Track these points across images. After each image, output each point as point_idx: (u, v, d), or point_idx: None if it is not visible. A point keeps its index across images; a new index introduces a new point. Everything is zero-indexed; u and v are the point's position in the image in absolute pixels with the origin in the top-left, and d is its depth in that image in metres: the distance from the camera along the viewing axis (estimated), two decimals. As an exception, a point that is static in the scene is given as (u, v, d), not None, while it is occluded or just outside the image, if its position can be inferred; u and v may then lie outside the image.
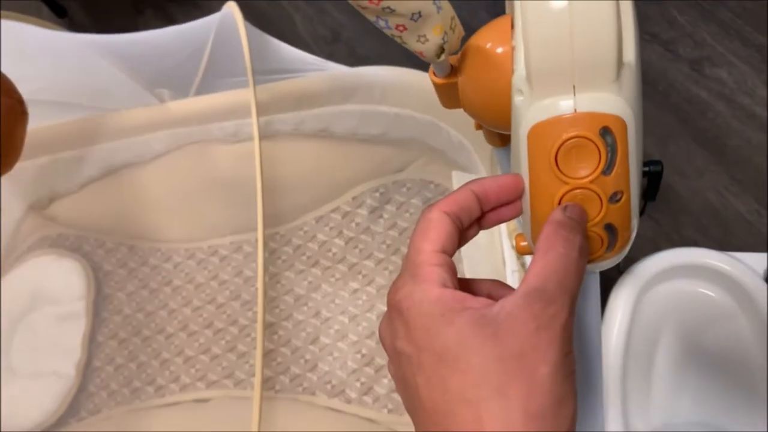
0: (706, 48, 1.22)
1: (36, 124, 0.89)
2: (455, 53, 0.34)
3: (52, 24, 1.09)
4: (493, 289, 0.30)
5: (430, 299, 0.26)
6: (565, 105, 0.27)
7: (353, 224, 0.94)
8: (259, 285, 0.59)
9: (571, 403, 0.24)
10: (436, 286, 0.26)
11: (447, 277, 0.27)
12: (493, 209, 0.31)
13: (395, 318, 0.27)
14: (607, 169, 0.28)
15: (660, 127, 1.17)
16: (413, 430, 0.28)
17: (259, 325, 0.58)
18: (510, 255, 0.71)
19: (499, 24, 0.33)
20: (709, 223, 1.08)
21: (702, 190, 1.11)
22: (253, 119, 0.64)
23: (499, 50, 0.32)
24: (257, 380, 0.56)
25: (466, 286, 0.30)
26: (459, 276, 0.29)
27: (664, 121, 1.17)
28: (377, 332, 0.87)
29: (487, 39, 0.33)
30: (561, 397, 0.24)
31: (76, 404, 0.92)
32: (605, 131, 0.27)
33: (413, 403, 0.26)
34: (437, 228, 0.28)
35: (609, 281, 0.61)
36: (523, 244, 0.34)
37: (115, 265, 1.00)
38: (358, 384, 0.85)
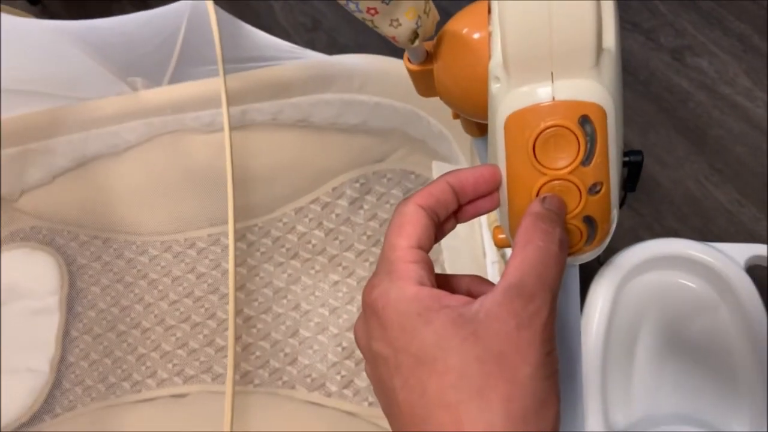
0: (688, 37, 1.21)
1: (4, 114, 0.87)
2: (430, 39, 0.33)
3: (23, 12, 1.06)
4: (472, 285, 0.29)
5: (406, 298, 0.25)
6: (543, 92, 0.26)
7: (333, 215, 0.93)
8: (231, 283, 0.58)
9: (553, 404, 0.24)
10: (412, 284, 0.25)
11: (424, 274, 0.26)
12: (470, 201, 0.30)
13: (370, 318, 0.26)
14: (586, 160, 0.27)
15: (640, 116, 1.16)
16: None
17: (230, 324, 0.56)
18: (490, 246, 0.70)
19: (475, 8, 0.32)
20: (689, 212, 1.09)
21: (682, 180, 1.11)
22: (224, 109, 0.62)
23: (476, 36, 0.31)
24: (229, 378, 0.55)
25: (444, 282, 0.29)
26: (438, 269, 0.28)
27: (645, 110, 1.17)
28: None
29: (463, 24, 0.32)
30: (543, 398, 0.23)
31: (50, 400, 0.90)
32: (584, 120, 0.26)
33: (390, 406, 0.25)
34: (412, 223, 0.27)
35: (588, 272, 0.61)
36: (501, 236, 0.33)
37: (89, 258, 0.98)
38: (338, 377, 0.84)
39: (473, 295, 0.26)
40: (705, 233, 1.06)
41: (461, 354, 0.23)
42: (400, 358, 0.24)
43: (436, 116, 0.84)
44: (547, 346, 0.24)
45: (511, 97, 0.27)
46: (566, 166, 0.27)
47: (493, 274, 0.65)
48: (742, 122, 1.14)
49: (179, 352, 0.90)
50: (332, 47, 1.34)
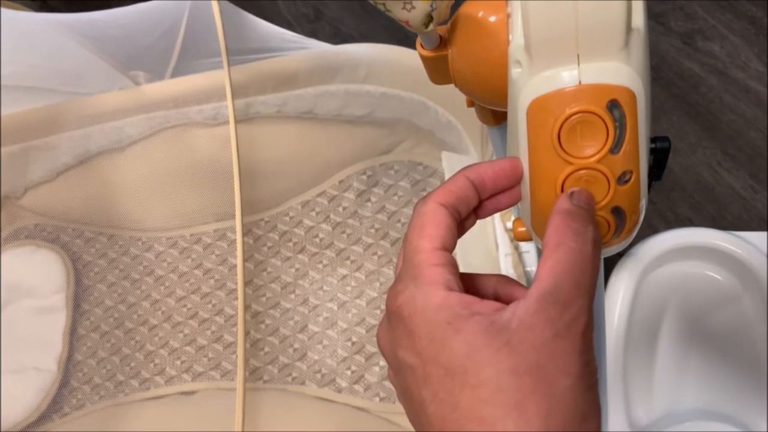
0: (698, 20, 1.19)
1: (4, 110, 0.86)
2: (444, 23, 0.31)
3: (22, 5, 1.05)
4: (499, 286, 0.28)
5: (434, 305, 0.24)
6: (569, 76, 0.25)
7: (340, 208, 0.92)
8: (239, 278, 0.56)
9: (595, 417, 0.22)
10: (440, 289, 0.24)
11: (450, 277, 0.24)
12: (489, 196, 0.28)
13: (396, 325, 0.25)
14: (615, 147, 0.25)
15: (651, 102, 1.15)
16: (405, 418, 0.25)
17: (240, 321, 0.55)
18: (503, 238, 0.68)
19: (492, -11, 0.30)
20: (702, 199, 1.07)
21: (695, 166, 1.09)
22: (228, 103, 0.61)
23: (493, 18, 0.30)
24: (239, 379, 0.54)
25: (469, 283, 0.27)
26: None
27: (656, 96, 1.15)
28: (367, 320, 0.85)
29: (480, 6, 0.30)
30: (584, 411, 0.22)
31: (58, 399, 0.89)
32: (613, 105, 0.25)
33: (419, 418, 0.24)
34: (434, 222, 0.26)
35: (608, 264, 0.59)
36: (522, 230, 0.31)
37: (95, 255, 0.97)
38: (348, 372, 0.83)
39: (500, 297, 0.25)
40: (719, 220, 1.05)
41: (495, 366, 0.22)
42: (429, 368, 0.23)
43: (444, 106, 0.82)
44: (585, 357, 0.22)
45: (533, 82, 0.26)
46: (594, 155, 0.25)
47: (506, 266, 0.64)
48: (755, 106, 1.11)
49: (187, 348, 0.89)
50: (335, 37, 1.32)
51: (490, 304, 0.23)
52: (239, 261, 0.58)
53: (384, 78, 0.82)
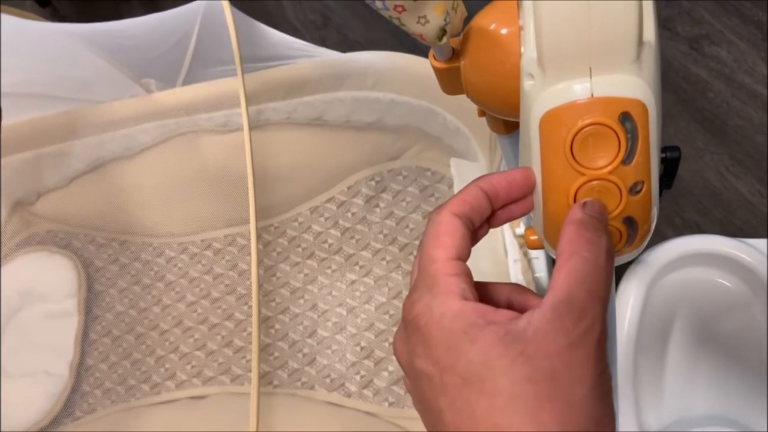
0: (705, 26, 1.19)
1: (18, 118, 0.87)
2: (457, 35, 0.32)
3: (34, 15, 1.06)
4: (513, 295, 0.28)
5: (450, 314, 0.24)
6: (581, 89, 0.25)
7: (349, 214, 0.92)
8: (254, 280, 0.57)
9: (609, 425, 0.23)
10: (456, 299, 0.24)
11: (466, 287, 0.25)
12: (502, 206, 0.29)
13: (412, 334, 0.25)
14: (627, 159, 0.26)
15: (659, 107, 1.15)
16: (414, 423, 0.26)
17: (254, 323, 0.56)
18: (511, 244, 0.69)
19: (504, 2, 0.31)
20: (710, 204, 1.07)
21: (702, 171, 1.09)
22: (243, 110, 0.62)
23: (505, 31, 0.30)
24: (254, 381, 0.55)
25: (483, 292, 0.28)
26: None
27: (663, 101, 1.15)
28: (376, 325, 0.86)
29: (492, 19, 0.31)
30: (599, 419, 0.22)
31: (70, 404, 0.90)
32: (625, 117, 0.25)
33: (435, 426, 0.24)
34: (449, 233, 0.26)
35: (619, 271, 0.60)
36: (534, 237, 0.32)
37: (107, 261, 0.98)
38: (357, 377, 0.83)
39: (514, 306, 0.25)
40: (726, 225, 1.05)
41: (511, 375, 0.22)
42: (446, 377, 0.23)
43: (452, 112, 0.82)
44: (600, 366, 0.23)
45: (546, 94, 0.26)
46: (606, 166, 0.26)
47: (515, 272, 0.64)
48: (762, 111, 1.11)
49: (197, 353, 0.90)
50: (342, 44, 1.33)
51: (504, 313, 0.24)
52: (253, 267, 0.59)
53: (392, 85, 0.83)
